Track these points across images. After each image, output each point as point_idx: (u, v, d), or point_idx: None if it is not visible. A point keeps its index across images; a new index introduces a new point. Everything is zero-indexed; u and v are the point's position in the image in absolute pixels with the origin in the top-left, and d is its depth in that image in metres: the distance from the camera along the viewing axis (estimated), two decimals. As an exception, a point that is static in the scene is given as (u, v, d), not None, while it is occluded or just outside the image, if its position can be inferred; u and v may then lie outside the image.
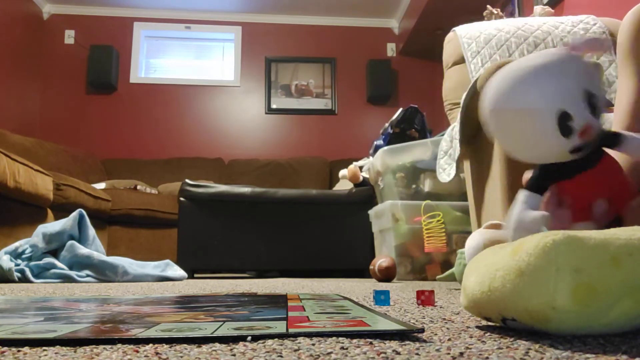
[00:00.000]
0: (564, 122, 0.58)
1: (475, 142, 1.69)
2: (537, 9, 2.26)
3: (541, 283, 0.42)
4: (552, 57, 0.60)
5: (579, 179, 0.63)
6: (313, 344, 0.42)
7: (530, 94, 0.59)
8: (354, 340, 0.44)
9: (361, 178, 2.81)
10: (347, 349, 0.40)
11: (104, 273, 1.98)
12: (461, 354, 0.39)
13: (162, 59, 4.89)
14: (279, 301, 0.82)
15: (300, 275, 2.79)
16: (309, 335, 0.46)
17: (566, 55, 0.60)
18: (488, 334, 0.49)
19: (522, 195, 0.65)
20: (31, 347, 0.42)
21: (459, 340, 0.46)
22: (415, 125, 2.77)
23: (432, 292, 0.84)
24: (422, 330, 0.49)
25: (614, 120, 0.92)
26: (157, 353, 0.39)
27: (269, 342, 0.43)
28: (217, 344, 0.43)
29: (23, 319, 0.59)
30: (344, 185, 3.07)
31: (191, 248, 2.66)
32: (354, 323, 0.53)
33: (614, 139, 0.64)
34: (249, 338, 0.45)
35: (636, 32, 0.91)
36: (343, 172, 3.11)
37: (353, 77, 4.88)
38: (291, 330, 0.48)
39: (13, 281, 1.82)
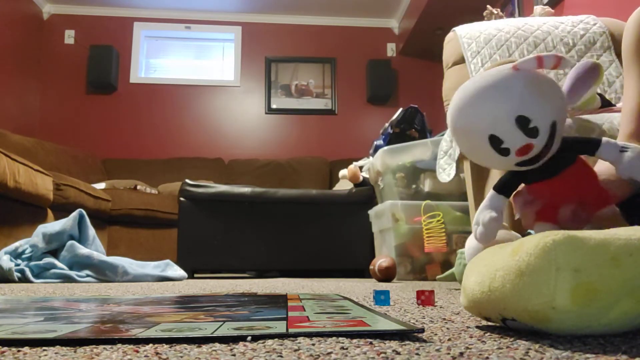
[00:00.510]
0: (495, 145, 0.61)
1: (475, 142, 1.68)
2: (537, 9, 2.26)
3: (541, 283, 0.42)
4: (492, 80, 0.61)
5: (548, 183, 0.65)
6: (313, 344, 0.42)
7: (469, 116, 0.63)
8: (354, 340, 0.44)
9: (361, 178, 2.81)
10: (347, 349, 0.40)
11: (104, 273, 1.98)
12: (461, 354, 0.39)
13: (162, 59, 4.89)
14: (279, 301, 0.82)
15: (300, 275, 2.79)
16: (309, 335, 0.46)
17: (506, 77, 0.61)
18: (488, 334, 0.49)
19: (488, 195, 0.69)
20: (31, 347, 0.42)
21: (459, 340, 0.46)
22: (415, 125, 2.77)
23: (432, 292, 0.84)
24: (422, 330, 0.49)
25: (621, 123, 0.91)
26: (157, 353, 0.39)
27: (269, 342, 0.43)
28: (217, 344, 0.43)
29: (23, 319, 0.59)
30: (344, 185, 3.07)
31: (191, 248, 2.66)
32: (354, 323, 0.53)
33: (589, 146, 0.64)
34: (249, 338, 0.45)
35: None
36: (343, 172, 3.11)
37: (353, 77, 4.88)
38: (291, 330, 0.48)
39: (13, 281, 1.82)
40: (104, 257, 2.02)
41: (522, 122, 0.59)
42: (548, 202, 0.66)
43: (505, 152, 0.61)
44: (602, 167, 0.71)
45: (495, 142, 0.61)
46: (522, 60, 0.61)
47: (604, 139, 0.64)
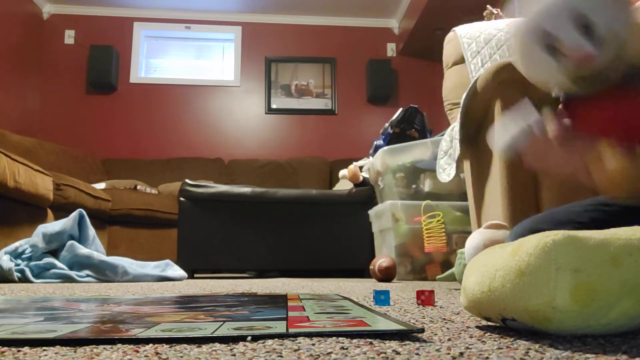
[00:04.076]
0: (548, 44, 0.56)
1: (475, 142, 1.69)
2: (537, 9, 2.25)
3: (541, 283, 0.42)
4: None
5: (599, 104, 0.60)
6: (313, 344, 0.42)
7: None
8: (354, 340, 0.44)
9: (361, 178, 2.81)
10: (347, 349, 0.40)
11: (104, 273, 1.98)
12: (461, 354, 0.39)
13: (162, 59, 4.89)
14: (279, 301, 0.82)
15: (300, 275, 2.79)
16: (309, 335, 0.46)
17: None
18: (488, 334, 0.49)
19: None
20: (31, 347, 0.42)
21: (459, 340, 0.46)
22: (415, 125, 2.77)
23: (432, 292, 0.84)
24: (422, 330, 0.49)
25: None
26: (157, 353, 0.39)
27: (269, 342, 0.43)
28: (217, 344, 0.43)
29: (23, 319, 0.59)
30: (344, 185, 3.07)
31: (191, 248, 2.66)
32: (354, 323, 0.53)
33: None
34: (249, 338, 0.45)
35: None
36: (343, 172, 3.11)
37: (353, 77, 4.88)
38: (291, 330, 0.48)
39: (13, 281, 1.82)
40: (104, 257, 2.02)
41: (580, 20, 0.54)
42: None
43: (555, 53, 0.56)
44: None
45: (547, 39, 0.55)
46: None
47: None
